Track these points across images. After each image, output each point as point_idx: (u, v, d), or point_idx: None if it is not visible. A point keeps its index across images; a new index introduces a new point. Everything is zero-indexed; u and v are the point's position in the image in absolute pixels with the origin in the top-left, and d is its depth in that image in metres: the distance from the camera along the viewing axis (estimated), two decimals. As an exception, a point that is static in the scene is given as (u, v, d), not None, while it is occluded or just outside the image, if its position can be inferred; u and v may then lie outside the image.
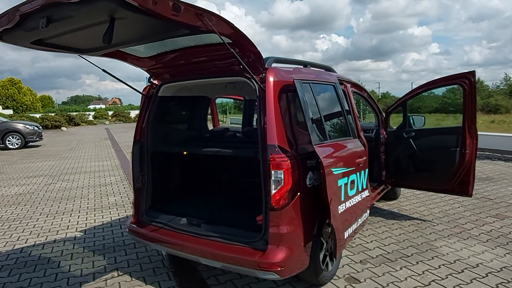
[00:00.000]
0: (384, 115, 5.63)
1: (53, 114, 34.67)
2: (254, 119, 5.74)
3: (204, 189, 4.66)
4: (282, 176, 2.87)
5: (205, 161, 4.75)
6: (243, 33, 2.67)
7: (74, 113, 39.10)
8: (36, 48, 2.80)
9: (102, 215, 5.96)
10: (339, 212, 3.20)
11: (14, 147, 16.30)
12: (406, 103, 5.37)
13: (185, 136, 4.40)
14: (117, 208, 6.34)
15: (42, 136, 17.53)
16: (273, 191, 2.88)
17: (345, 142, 3.59)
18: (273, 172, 2.87)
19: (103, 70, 3.43)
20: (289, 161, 2.88)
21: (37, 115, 32.90)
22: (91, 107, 60.35)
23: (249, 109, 5.54)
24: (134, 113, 42.52)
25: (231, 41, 2.80)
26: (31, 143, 17.23)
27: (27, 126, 16.85)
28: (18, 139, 16.43)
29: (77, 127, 34.78)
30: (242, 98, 5.87)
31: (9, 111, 37.09)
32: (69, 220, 5.78)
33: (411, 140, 5.24)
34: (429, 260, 3.96)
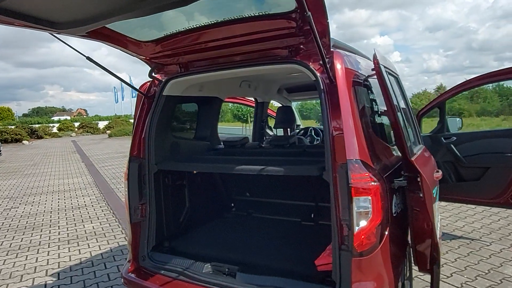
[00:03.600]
0: (416, 118, 4.85)
1: (13, 127, 32.05)
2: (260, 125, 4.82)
3: (229, 219, 3.64)
4: (370, 205, 1.95)
5: (226, 181, 3.75)
6: None
7: (37, 125, 36.50)
8: None
9: (79, 250, 4.78)
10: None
11: (-33, 164, 14.43)
12: (445, 104, 4.61)
13: (197, 148, 3.39)
14: (96, 239, 5.16)
15: (0, 151, 15.71)
16: (357, 228, 1.95)
17: (423, 151, 2.73)
18: (355, 199, 1.95)
19: (88, 58, 2.40)
20: (378, 183, 1.97)
21: (-5, 128, 30.30)
22: (55, 118, 56.84)
23: (261, 113, 4.60)
24: (102, 124, 40.41)
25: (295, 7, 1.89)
26: (-13, 160, 15.38)
27: (-17, 141, 15.02)
28: (-28, 156, 14.58)
29: (40, 140, 32.34)
30: (248, 102, 4.96)
31: (-37, 125, 34.07)
32: (37, 258, 4.55)
33: (452, 146, 4.46)
34: (513, 296, 3.14)
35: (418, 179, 2.04)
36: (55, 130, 37.63)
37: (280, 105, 5.17)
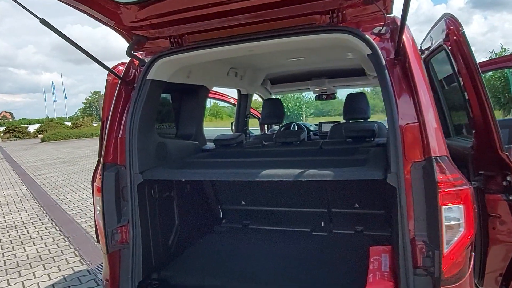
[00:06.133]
0: None
1: None
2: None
3: (222, 234, 2.99)
4: (462, 216, 1.48)
5: (216, 188, 3.10)
6: None
7: (-47, 131, 32.17)
8: None
9: (22, 281, 3.81)
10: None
11: None
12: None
13: (185, 150, 2.71)
14: (44, 265, 4.19)
15: None
16: (447, 247, 1.47)
17: None
18: (444, 208, 1.46)
19: (42, 21, 1.65)
20: (469, 186, 1.51)
21: None
22: (-25, 123, 50.67)
23: (245, 106, 4.02)
24: (33, 128, 36.79)
25: None
26: None
27: None
28: None
29: (-43, 147, 28.40)
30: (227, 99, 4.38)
31: None
32: (-37, 298, 3.54)
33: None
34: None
35: (508, 178, 1.62)
36: (-24, 135, 33.42)
37: (261, 99, 4.64)
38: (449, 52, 1.78)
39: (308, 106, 18.90)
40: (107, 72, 2.30)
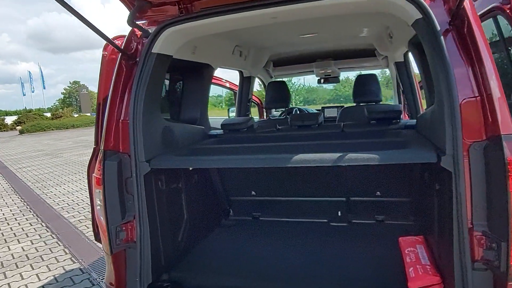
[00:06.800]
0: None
1: None
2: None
3: (232, 227, 2.76)
4: (535, 202, 1.29)
5: (224, 178, 2.85)
6: None
7: None
8: None
9: (8, 283, 3.51)
10: None
11: None
12: None
13: (191, 135, 2.44)
14: (31, 265, 3.88)
15: None
16: (517, 237, 1.28)
17: None
18: (514, 194, 1.27)
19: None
20: (541, 168, 1.32)
21: None
22: None
23: (248, 90, 3.75)
24: (10, 120, 35.45)
25: None
26: None
27: None
28: None
29: None
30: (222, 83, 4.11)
31: None
32: None
33: None
34: None
35: None
36: (-51, 129, 31.94)
37: (261, 84, 4.40)
38: (506, 17, 1.57)
39: (298, 94, 18.74)
40: (102, 47, 2.02)
